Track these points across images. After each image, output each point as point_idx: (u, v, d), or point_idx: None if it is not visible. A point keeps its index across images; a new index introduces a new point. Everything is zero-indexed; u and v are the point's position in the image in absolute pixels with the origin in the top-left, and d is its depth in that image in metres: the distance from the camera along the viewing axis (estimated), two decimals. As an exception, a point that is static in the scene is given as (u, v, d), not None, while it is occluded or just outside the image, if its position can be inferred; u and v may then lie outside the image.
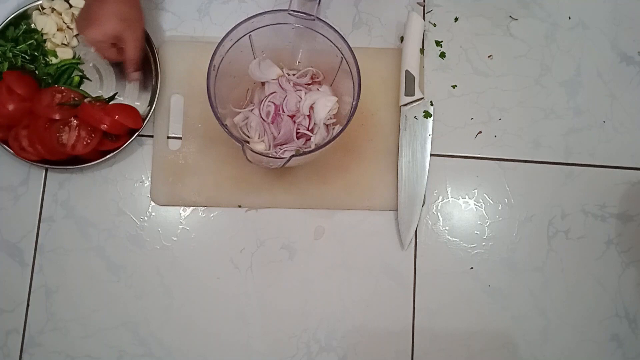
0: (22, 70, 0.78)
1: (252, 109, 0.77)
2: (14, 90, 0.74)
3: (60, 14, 0.80)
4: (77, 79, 0.80)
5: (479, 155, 0.83)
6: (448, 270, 0.81)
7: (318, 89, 0.77)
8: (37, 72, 0.79)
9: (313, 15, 0.68)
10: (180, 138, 0.81)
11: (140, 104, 0.81)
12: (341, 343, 0.78)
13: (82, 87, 0.81)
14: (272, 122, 0.75)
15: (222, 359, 0.77)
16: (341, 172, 0.80)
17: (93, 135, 0.76)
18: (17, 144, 0.76)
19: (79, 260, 0.78)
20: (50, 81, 0.79)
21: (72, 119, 0.76)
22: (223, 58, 0.69)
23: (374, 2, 0.87)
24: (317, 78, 0.78)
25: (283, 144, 0.76)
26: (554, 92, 0.86)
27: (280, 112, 0.75)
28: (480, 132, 0.84)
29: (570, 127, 0.85)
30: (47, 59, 0.80)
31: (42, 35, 0.80)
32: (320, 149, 0.66)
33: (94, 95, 0.80)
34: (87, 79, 0.81)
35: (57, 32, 0.80)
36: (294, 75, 0.78)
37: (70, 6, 0.81)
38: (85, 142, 0.75)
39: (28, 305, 0.77)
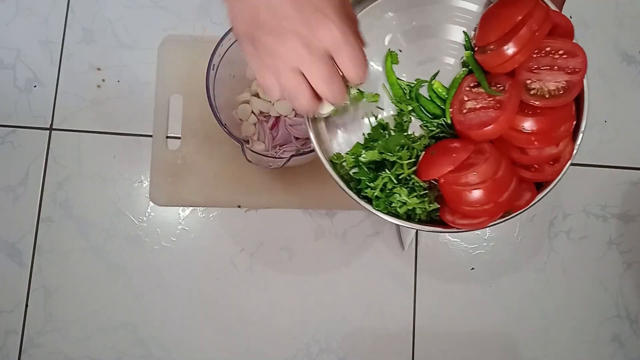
0: None
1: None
2: None
3: None
4: None
5: (479, 155, 0.83)
6: (449, 271, 0.80)
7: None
8: None
9: None
10: (179, 138, 0.80)
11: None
12: (341, 344, 0.78)
13: None
14: (272, 128, 0.75)
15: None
16: (341, 172, 0.80)
17: None
18: None
19: (78, 261, 0.78)
20: None
21: None
22: (222, 57, 0.69)
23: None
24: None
25: (282, 145, 0.76)
26: (555, 92, 0.86)
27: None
28: (481, 132, 0.84)
29: (572, 126, 0.85)
30: None
31: None
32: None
33: None
34: None
35: None
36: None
37: None
38: None
39: (27, 305, 0.77)
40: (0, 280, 0.77)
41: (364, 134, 0.53)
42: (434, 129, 0.53)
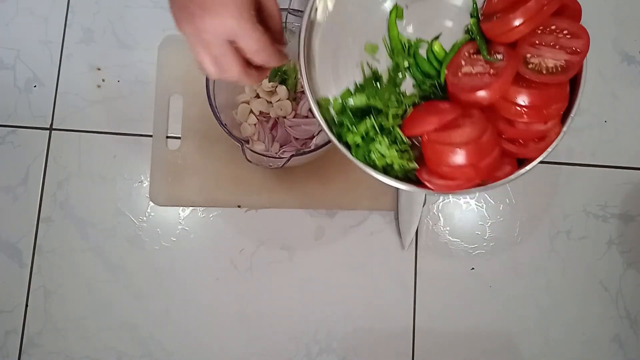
0: None
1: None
2: None
3: None
4: None
5: (479, 155, 0.83)
6: (449, 271, 0.80)
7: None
8: None
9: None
10: (179, 138, 0.80)
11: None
12: (341, 344, 0.78)
13: None
14: (272, 129, 0.75)
15: (222, 360, 0.77)
16: (341, 172, 0.80)
17: None
18: None
19: (78, 261, 0.78)
20: None
21: None
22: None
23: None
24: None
25: (282, 145, 0.76)
26: (555, 92, 0.86)
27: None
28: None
29: (572, 126, 0.84)
30: None
31: None
32: (320, 149, 0.66)
33: None
34: None
35: None
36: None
37: None
38: None
39: (27, 306, 0.77)
40: (0, 280, 0.77)
41: (355, 82, 0.53)
42: (427, 89, 0.53)
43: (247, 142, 0.76)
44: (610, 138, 0.85)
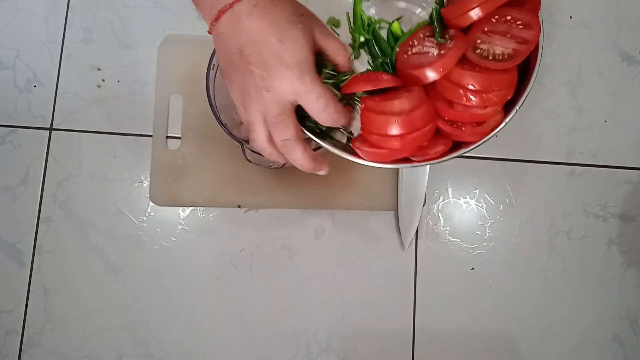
0: None
1: None
2: None
3: None
4: None
5: (480, 155, 0.83)
6: (449, 271, 0.80)
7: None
8: None
9: None
10: (179, 138, 0.80)
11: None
12: (341, 344, 0.78)
13: None
14: None
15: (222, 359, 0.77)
16: (341, 172, 0.80)
17: None
18: None
19: (78, 261, 0.78)
20: None
21: None
22: (222, 57, 0.69)
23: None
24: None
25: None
26: (555, 92, 0.86)
27: None
28: (481, 131, 0.84)
29: (572, 126, 0.85)
30: None
31: None
32: (320, 149, 0.66)
33: None
34: None
35: None
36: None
37: None
38: None
39: (27, 305, 0.77)
40: (0, 280, 0.77)
41: None
42: (378, 65, 0.56)
43: (247, 142, 0.76)
44: (610, 138, 0.85)
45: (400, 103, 0.50)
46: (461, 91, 0.50)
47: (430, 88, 0.52)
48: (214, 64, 0.67)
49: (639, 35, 0.88)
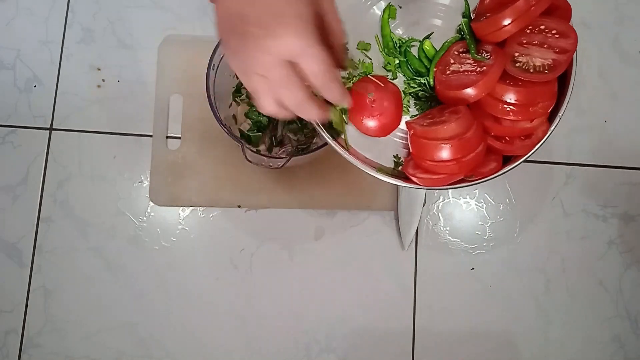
0: None
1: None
2: None
3: None
4: None
5: (479, 155, 0.83)
6: (449, 271, 0.80)
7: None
8: None
9: None
10: (179, 138, 0.80)
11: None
12: (341, 344, 0.78)
13: None
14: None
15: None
16: (341, 172, 0.80)
17: None
18: None
19: (78, 261, 0.78)
20: None
21: None
22: (222, 57, 0.69)
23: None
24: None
25: (282, 145, 0.76)
26: (555, 92, 0.86)
27: None
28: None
29: (572, 126, 0.85)
30: None
31: None
32: (320, 149, 0.66)
33: None
34: None
35: None
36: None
37: None
38: None
39: (27, 305, 0.77)
40: (0, 280, 0.77)
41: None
42: (416, 86, 0.54)
43: (247, 142, 0.76)
44: (610, 138, 0.85)
45: (451, 127, 0.49)
46: (506, 107, 0.49)
47: (472, 105, 0.51)
48: (214, 64, 0.67)
49: (639, 36, 0.88)
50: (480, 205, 0.82)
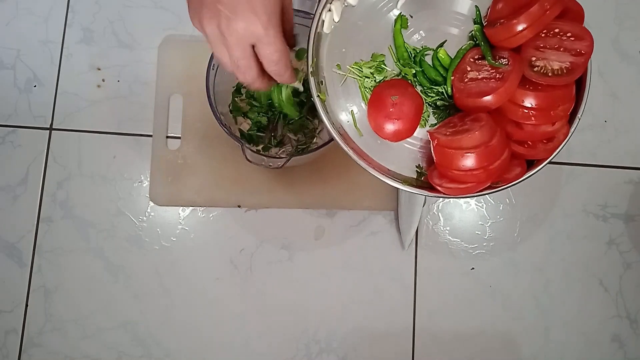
0: None
1: None
2: None
3: None
4: None
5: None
6: (449, 271, 0.80)
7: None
8: None
9: (313, 14, 0.68)
10: (179, 138, 0.80)
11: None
12: (341, 344, 0.78)
13: None
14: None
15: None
16: (341, 172, 0.80)
17: None
18: None
19: (78, 261, 0.78)
20: None
21: None
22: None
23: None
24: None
25: (282, 145, 0.76)
26: (555, 92, 0.86)
27: None
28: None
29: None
30: None
31: None
32: (320, 149, 0.66)
33: None
34: None
35: None
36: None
37: None
38: None
39: (27, 305, 0.77)
40: (0, 280, 0.77)
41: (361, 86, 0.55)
42: (434, 95, 0.54)
43: (248, 142, 0.76)
44: (610, 138, 0.85)
45: (475, 136, 0.48)
46: (527, 111, 0.49)
47: (493, 111, 0.51)
48: (214, 64, 0.67)
49: (639, 36, 0.88)
50: (480, 205, 0.82)
